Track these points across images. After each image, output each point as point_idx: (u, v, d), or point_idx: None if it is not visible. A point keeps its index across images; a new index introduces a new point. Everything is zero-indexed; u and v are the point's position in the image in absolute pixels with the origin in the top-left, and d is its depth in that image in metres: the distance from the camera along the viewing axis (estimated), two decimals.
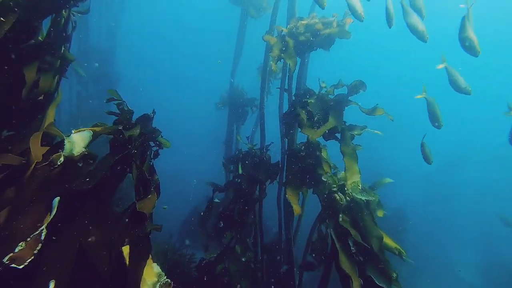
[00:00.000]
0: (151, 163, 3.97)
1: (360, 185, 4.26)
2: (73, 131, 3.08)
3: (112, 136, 3.73)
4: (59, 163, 2.88)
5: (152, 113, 4.27)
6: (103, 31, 13.45)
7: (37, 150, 2.73)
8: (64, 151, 3.00)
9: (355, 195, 4.43)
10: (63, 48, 4.06)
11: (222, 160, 9.35)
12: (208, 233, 6.67)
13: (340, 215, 4.34)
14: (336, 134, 5.22)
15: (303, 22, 5.79)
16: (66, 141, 2.99)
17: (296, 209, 4.25)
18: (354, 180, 4.30)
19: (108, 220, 2.91)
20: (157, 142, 4.25)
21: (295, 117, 5.48)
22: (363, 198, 4.35)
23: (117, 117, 3.96)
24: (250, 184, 5.83)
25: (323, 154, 5.26)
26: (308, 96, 5.62)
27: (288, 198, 4.28)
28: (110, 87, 13.46)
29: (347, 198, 4.59)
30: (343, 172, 5.28)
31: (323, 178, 4.81)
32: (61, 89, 4.51)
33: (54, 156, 2.84)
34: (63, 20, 4.13)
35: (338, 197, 4.57)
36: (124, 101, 4.14)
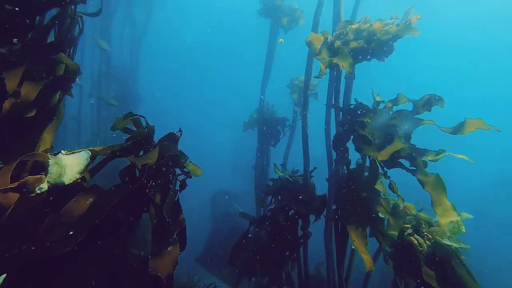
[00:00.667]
0: (176, 198, 3.03)
1: (463, 228, 3.14)
2: (62, 152, 2.19)
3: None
4: (36, 193, 1.97)
5: (179, 132, 3.35)
6: (126, 51, 13.02)
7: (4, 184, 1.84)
8: (48, 176, 2.09)
9: (441, 240, 3.32)
10: (65, 54, 3.28)
11: (255, 189, 8.52)
12: (238, 269, 5.62)
13: (423, 268, 3.23)
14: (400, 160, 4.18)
15: (353, 26, 4.86)
16: (51, 163, 2.10)
17: (368, 261, 3.16)
18: (449, 218, 3.20)
19: None
20: (185, 170, 3.31)
21: (348, 136, 4.49)
22: (454, 244, 3.23)
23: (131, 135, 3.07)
24: (290, 220, 4.79)
25: (379, 186, 4.22)
26: (361, 112, 4.63)
27: (354, 244, 3.22)
28: (132, 107, 13.03)
29: (427, 242, 3.48)
30: (407, 204, 4.22)
31: (389, 216, 3.73)
32: (66, 107, 3.72)
33: (29, 180, 1.93)
34: (68, 21, 3.39)
35: (415, 242, 3.47)
36: (141, 116, 3.27)
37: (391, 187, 3.68)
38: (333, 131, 5.22)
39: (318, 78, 4.41)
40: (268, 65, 8.87)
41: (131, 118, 3.24)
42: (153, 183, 2.88)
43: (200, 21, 32.26)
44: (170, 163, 3.16)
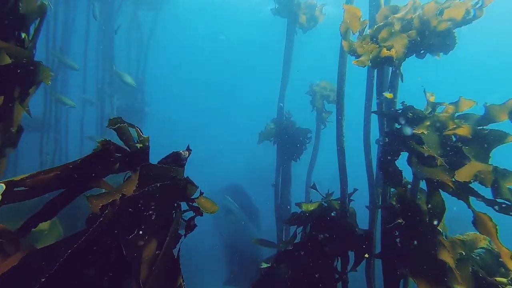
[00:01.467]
0: (176, 254, 2.03)
1: None
2: None
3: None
4: None
5: (186, 151, 2.36)
6: (132, 62, 12.25)
7: None
8: None
9: None
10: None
11: (275, 211, 7.52)
12: None
13: None
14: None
15: (398, 15, 3.86)
16: None
17: None
18: None
19: None
20: (193, 205, 2.32)
21: (398, 152, 3.46)
22: None
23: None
24: (323, 257, 3.77)
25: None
26: (411, 119, 3.61)
27: None
28: (138, 118, 12.21)
29: None
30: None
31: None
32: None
33: None
34: None
35: None
36: (131, 125, 2.31)
37: (478, 222, 2.64)
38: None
39: (361, 66, 3.44)
40: (286, 69, 7.91)
41: (115, 127, 2.28)
42: (134, 230, 1.93)
43: (212, 22, 31.37)
44: (167, 196, 2.20)
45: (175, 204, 2.26)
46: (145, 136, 2.35)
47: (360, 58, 3.40)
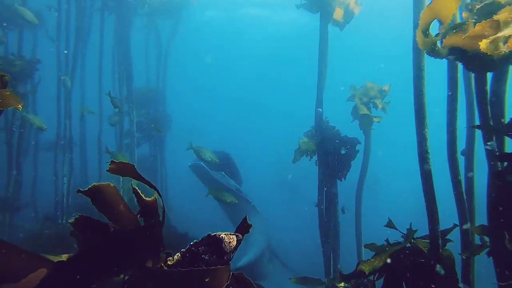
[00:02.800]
0: None
1: None
2: None
3: None
4: None
5: (234, 235, 1.32)
6: (152, 69, 11.54)
7: None
8: None
9: None
10: None
11: (321, 240, 6.42)
12: None
13: None
14: None
15: None
16: None
17: None
18: None
19: None
20: None
21: None
22: None
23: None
24: None
25: None
26: None
27: None
28: (158, 140, 11.42)
29: None
30: None
31: None
32: None
33: None
34: None
35: None
36: (140, 177, 1.39)
37: None
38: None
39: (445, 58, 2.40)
40: (322, 70, 6.89)
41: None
42: None
43: (235, 25, 30.34)
44: None
45: None
46: (158, 199, 1.42)
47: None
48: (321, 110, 6.57)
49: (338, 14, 6.67)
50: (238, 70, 40.04)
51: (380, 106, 6.05)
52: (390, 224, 3.02)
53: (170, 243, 1.37)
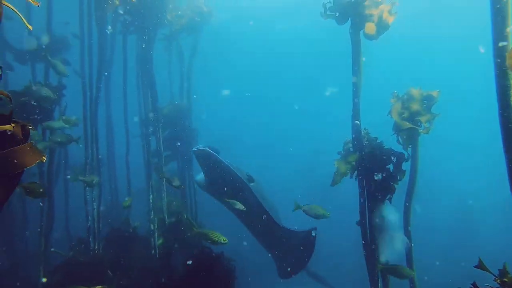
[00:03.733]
0: None
1: None
2: None
3: None
4: None
5: None
6: (176, 87, 11.40)
7: None
8: None
9: None
10: None
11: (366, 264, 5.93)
12: None
13: None
14: None
15: None
16: None
17: None
18: None
19: None
20: None
21: None
22: None
23: None
24: None
25: None
26: None
27: None
28: (187, 149, 11.23)
29: None
30: None
31: None
32: None
33: None
34: None
35: None
36: None
37: None
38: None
39: None
40: (357, 80, 6.46)
41: None
42: None
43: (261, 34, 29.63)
44: None
45: None
46: None
47: None
48: (358, 122, 6.15)
49: (369, 28, 6.19)
50: (265, 77, 39.54)
51: (427, 118, 5.52)
52: (481, 266, 2.59)
53: None
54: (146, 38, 8.51)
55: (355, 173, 6.01)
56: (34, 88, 6.71)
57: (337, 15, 6.47)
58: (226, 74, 36.16)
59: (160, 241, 8.32)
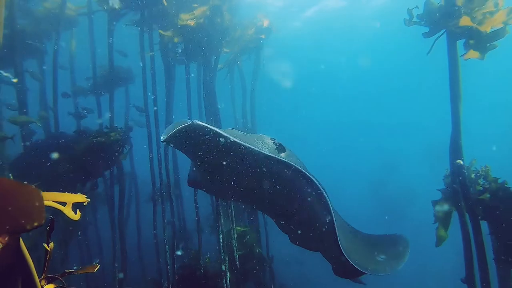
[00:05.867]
0: None
1: None
2: None
3: None
4: None
5: None
6: (238, 109, 10.95)
7: None
8: None
9: None
10: None
11: None
12: None
13: None
14: None
15: None
16: None
17: None
18: None
19: None
20: None
21: None
22: None
23: None
24: None
25: None
26: None
27: None
28: None
29: None
30: None
31: None
32: None
33: None
34: None
35: None
36: None
37: None
38: None
39: None
40: (455, 103, 5.35)
41: None
42: None
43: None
44: None
45: None
46: None
47: None
48: (461, 162, 5.04)
49: (472, 55, 5.01)
50: (334, 92, 38.04)
51: None
52: None
53: None
54: (207, 66, 8.12)
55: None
56: (103, 131, 6.67)
57: (423, 23, 5.45)
58: (287, 88, 35.28)
59: (229, 276, 7.95)
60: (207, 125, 3.53)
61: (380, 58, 27.78)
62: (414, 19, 5.55)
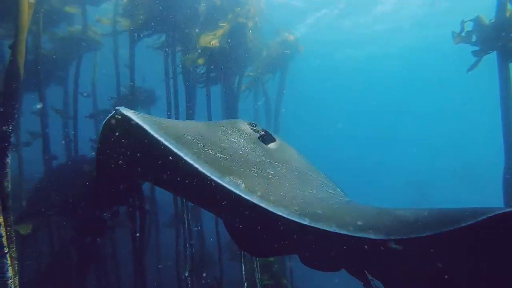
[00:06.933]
0: None
1: None
2: None
3: None
4: None
5: None
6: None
7: None
8: None
9: None
10: None
11: None
12: None
13: None
14: None
15: None
16: None
17: None
18: None
19: None
20: None
21: None
22: None
23: None
24: None
25: None
26: None
27: None
28: None
29: None
30: None
31: None
32: None
33: None
34: None
35: None
36: None
37: None
38: None
39: None
40: (506, 113, 4.66)
41: None
42: None
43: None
44: None
45: None
46: None
47: None
48: None
49: None
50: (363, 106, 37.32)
51: None
52: None
53: None
54: (230, 87, 7.79)
55: None
56: None
57: (474, 40, 4.88)
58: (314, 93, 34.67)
59: None
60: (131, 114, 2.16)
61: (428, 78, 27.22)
62: (463, 34, 5.00)
